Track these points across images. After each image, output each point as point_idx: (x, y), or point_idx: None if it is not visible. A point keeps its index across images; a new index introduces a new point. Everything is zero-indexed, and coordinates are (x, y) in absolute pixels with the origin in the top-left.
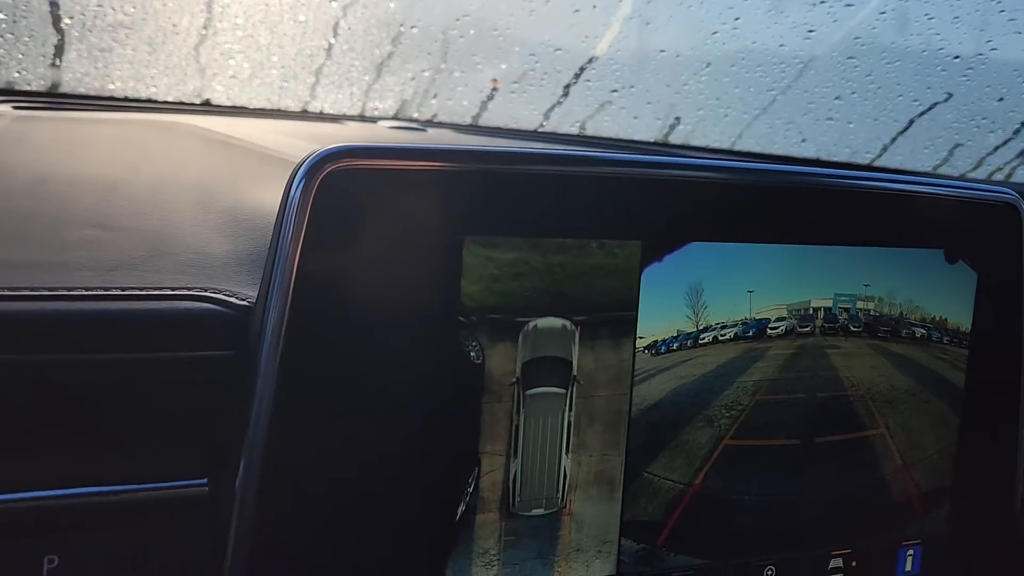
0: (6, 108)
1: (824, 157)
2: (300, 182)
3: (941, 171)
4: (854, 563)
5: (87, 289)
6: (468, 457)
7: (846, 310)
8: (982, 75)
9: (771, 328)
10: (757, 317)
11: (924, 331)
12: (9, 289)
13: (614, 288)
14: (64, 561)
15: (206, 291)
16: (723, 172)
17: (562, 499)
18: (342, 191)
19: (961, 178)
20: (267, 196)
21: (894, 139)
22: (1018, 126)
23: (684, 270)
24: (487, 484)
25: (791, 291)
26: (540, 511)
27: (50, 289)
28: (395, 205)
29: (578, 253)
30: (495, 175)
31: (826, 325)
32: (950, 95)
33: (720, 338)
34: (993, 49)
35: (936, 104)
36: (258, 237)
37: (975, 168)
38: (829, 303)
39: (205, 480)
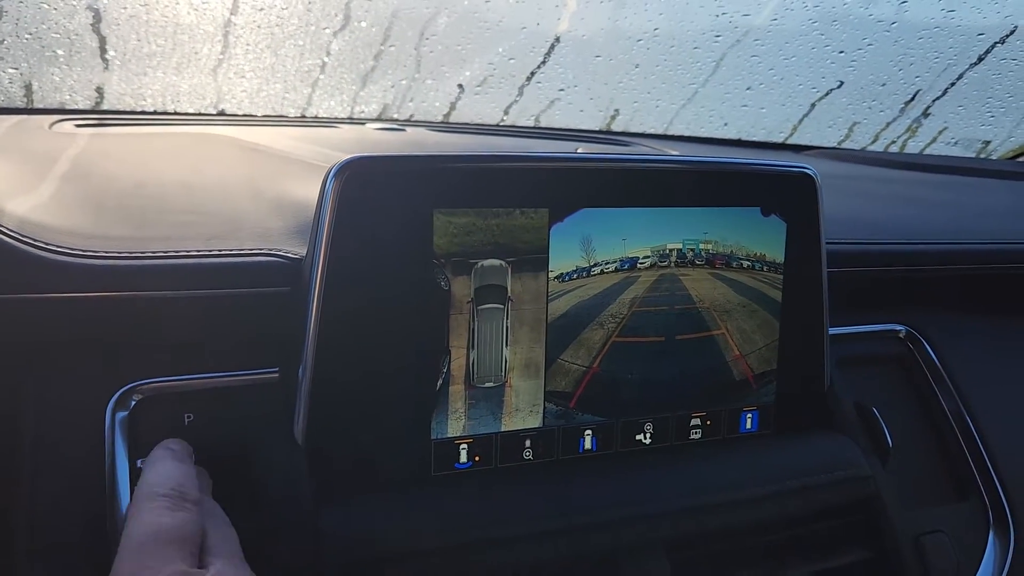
0: (69, 125)
1: (744, 138)
2: (332, 179)
3: (844, 145)
4: (708, 422)
5: (198, 251)
6: (442, 349)
7: (692, 250)
8: (865, 65)
9: (640, 263)
10: (629, 256)
11: (749, 263)
12: (151, 252)
13: (533, 239)
14: (196, 418)
15: (271, 250)
16: (603, 161)
17: (504, 376)
18: (357, 184)
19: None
20: (295, 188)
21: (801, 120)
22: (902, 105)
23: (578, 226)
24: (455, 367)
25: (653, 238)
26: (491, 384)
27: (176, 251)
28: (390, 191)
29: (508, 217)
30: (452, 169)
31: (678, 260)
32: (842, 83)
33: (605, 270)
34: (870, 45)
35: (832, 90)
36: (295, 216)
37: (873, 142)
38: (680, 245)
39: (277, 369)
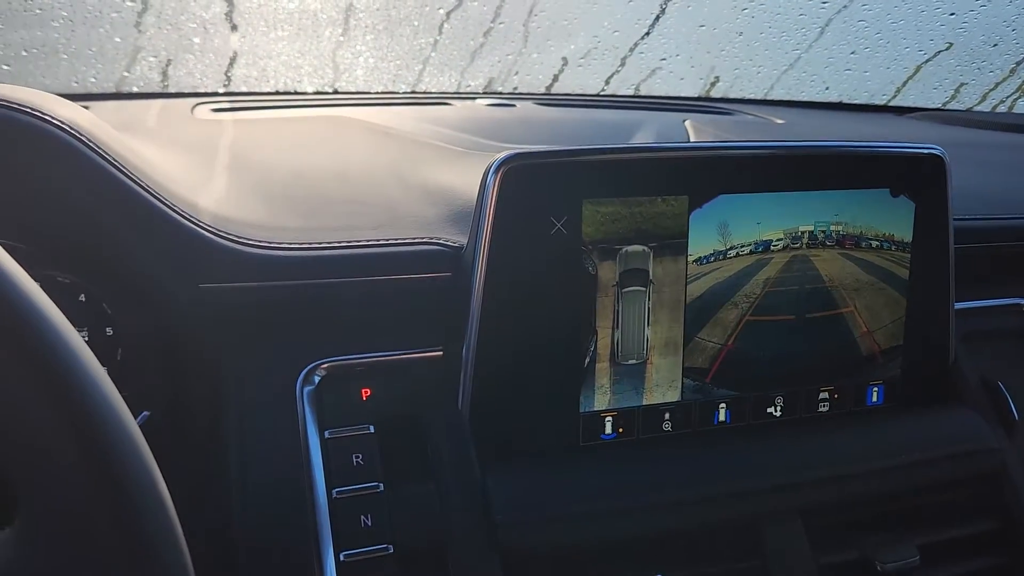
0: (206, 110)
1: (846, 100)
2: (492, 175)
3: (949, 106)
4: (836, 396)
5: (367, 240)
6: (590, 329)
7: (823, 231)
8: (976, 26)
9: (773, 245)
10: (763, 239)
11: (878, 243)
12: (328, 243)
13: (673, 225)
14: (372, 392)
15: (432, 239)
16: (739, 150)
17: (646, 354)
18: (515, 178)
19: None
20: (436, 174)
21: (905, 83)
22: (1013, 66)
23: (716, 212)
24: (602, 345)
25: (785, 221)
26: (633, 361)
27: (349, 241)
28: (544, 184)
29: (650, 204)
30: (600, 162)
31: (810, 242)
32: (950, 44)
33: (740, 253)
34: (983, 5)
35: (939, 52)
36: (446, 203)
37: (980, 103)
38: (811, 228)
39: (440, 347)
